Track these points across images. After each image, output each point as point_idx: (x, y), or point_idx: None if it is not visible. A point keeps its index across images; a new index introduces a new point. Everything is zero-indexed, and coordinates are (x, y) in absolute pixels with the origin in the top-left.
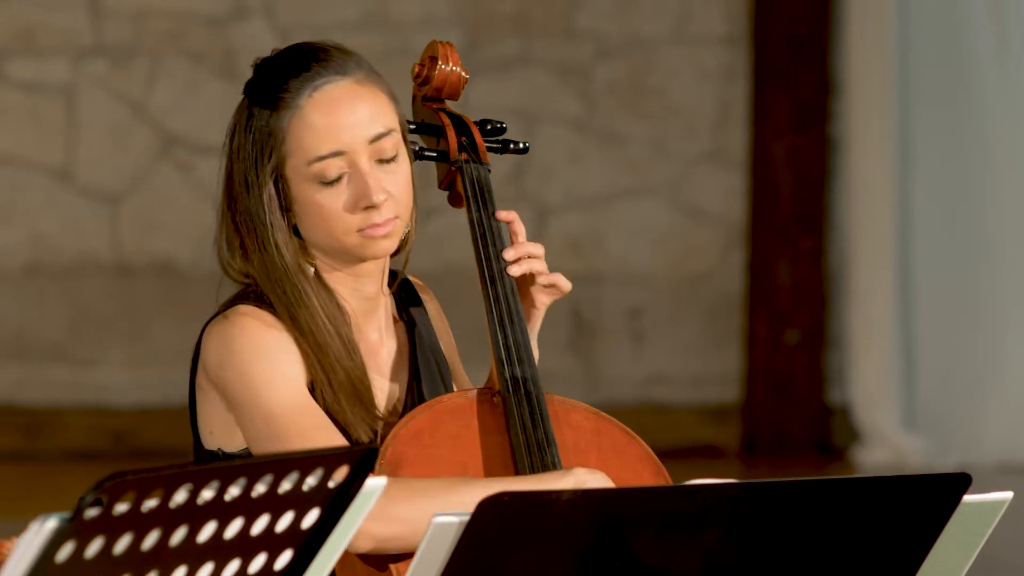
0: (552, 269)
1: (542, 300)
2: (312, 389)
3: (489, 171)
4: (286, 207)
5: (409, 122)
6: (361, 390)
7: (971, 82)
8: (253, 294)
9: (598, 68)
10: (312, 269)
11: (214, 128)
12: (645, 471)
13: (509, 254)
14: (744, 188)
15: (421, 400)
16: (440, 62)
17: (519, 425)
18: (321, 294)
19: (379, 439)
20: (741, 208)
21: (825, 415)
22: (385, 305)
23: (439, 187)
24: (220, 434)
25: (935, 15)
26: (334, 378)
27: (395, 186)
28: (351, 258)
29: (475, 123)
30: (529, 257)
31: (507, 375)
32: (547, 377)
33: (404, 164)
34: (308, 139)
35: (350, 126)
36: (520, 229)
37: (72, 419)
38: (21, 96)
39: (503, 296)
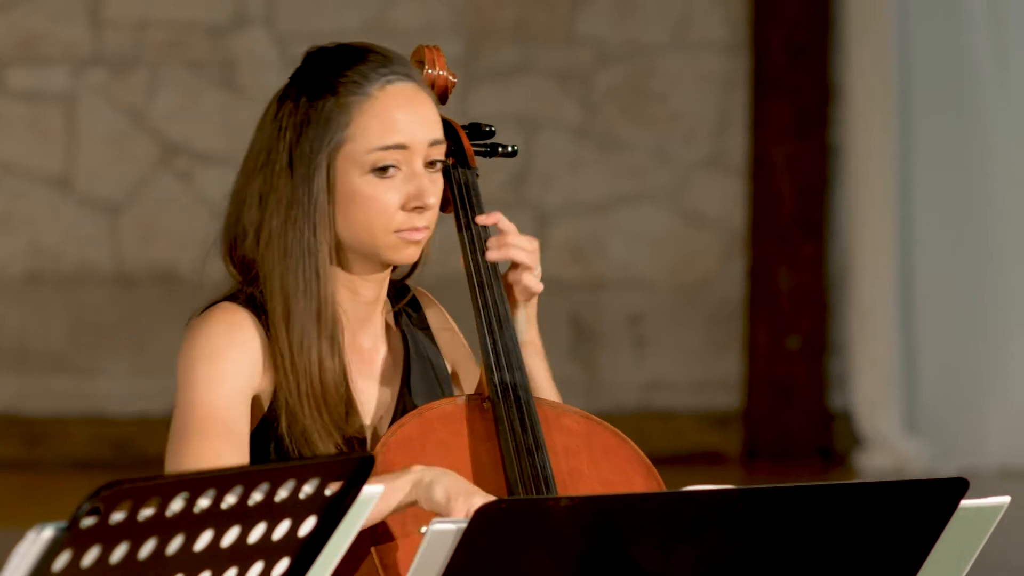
0: (553, 276)
1: (519, 299)
2: (276, 393)
3: (477, 175)
4: (331, 195)
5: None
6: (332, 397)
7: (971, 87)
8: (241, 294)
9: (598, 75)
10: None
11: (214, 137)
12: (636, 473)
13: (492, 242)
14: (744, 194)
15: (412, 409)
16: (427, 66)
17: (508, 431)
18: (330, 293)
19: (366, 447)
20: (741, 214)
21: (827, 420)
22: (382, 313)
23: None
24: None
25: (934, 21)
26: (303, 381)
27: (437, 196)
28: (372, 259)
29: (463, 127)
30: (513, 247)
31: (496, 381)
32: None
33: (441, 180)
34: (375, 127)
35: (417, 123)
36: (507, 227)
37: (73, 428)
38: (21, 105)
39: (492, 302)
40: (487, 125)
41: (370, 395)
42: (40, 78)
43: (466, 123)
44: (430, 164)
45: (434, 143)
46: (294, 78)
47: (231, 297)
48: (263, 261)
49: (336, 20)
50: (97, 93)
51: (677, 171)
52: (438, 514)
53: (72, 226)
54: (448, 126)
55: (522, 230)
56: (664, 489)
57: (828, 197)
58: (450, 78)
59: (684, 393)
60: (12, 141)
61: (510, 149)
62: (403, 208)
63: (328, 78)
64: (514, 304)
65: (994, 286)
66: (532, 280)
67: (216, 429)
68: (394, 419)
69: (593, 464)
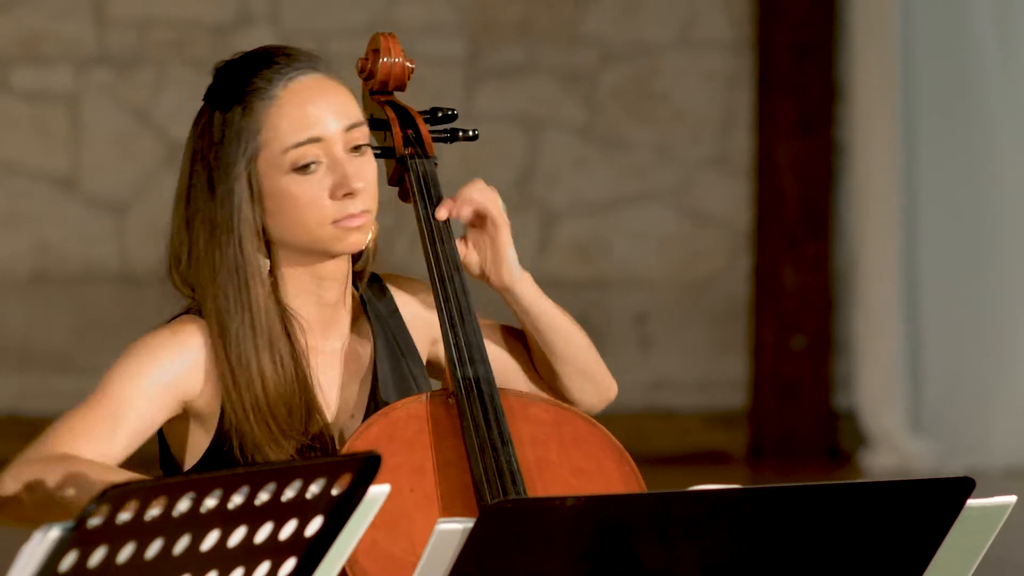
0: (558, 275)
1: (496, 241)
2: (222, 415)
3: (436, 164)
4: (256, 204)
5: None
6: (278, 408)
7: (975, 86)
8: (199, 309)
9: (603, 74)
10: (267, 267)
11: None
12: (608, 460)
13: (441, 213)
14: (749, 193)
15: (383, 407)
16: (382, 54)
17: (472, 426)
18: (269, 301)
19: (333, 450)
20: (746, 213)
21: (832, 420)
22: (348, 312)
23: (388, 183)
24: (177, 447)
25: (939, 20)
26: (247, 395)
27: (367, 179)
28: (318, 256)
29: (422, 113)
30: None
31: (459, 376)
32: None
33: (373, 161)
34: (284, 127)
35: (327, 114)
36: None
37: None
38: (26, 105)
39: (453, 295)
40: (449, 109)
41: (337, 397)
42: (44, 77)
43: (426, 108)
44: (355, 149)
45: (351, 127)
46: (206, 96)
47: (192, 311)
48: (196, 283)
49: (340, 19)
50: (101, 92)
51: (682, 170)
52: None
53: (77, 225)
54: (406, 114)
55: (526, 230)
56: (636, 473)
57: (833, 196)
58: (407, 64)
59: (689, 392)
60: (17, 141)
61: (471, 133)
62: (332, 198)
63: (235, 89)
64: (499, 256)
65: (999, 285)
66: (490, 207)
67: (104, 412)
68: (365, 418)
69: (563, 452)
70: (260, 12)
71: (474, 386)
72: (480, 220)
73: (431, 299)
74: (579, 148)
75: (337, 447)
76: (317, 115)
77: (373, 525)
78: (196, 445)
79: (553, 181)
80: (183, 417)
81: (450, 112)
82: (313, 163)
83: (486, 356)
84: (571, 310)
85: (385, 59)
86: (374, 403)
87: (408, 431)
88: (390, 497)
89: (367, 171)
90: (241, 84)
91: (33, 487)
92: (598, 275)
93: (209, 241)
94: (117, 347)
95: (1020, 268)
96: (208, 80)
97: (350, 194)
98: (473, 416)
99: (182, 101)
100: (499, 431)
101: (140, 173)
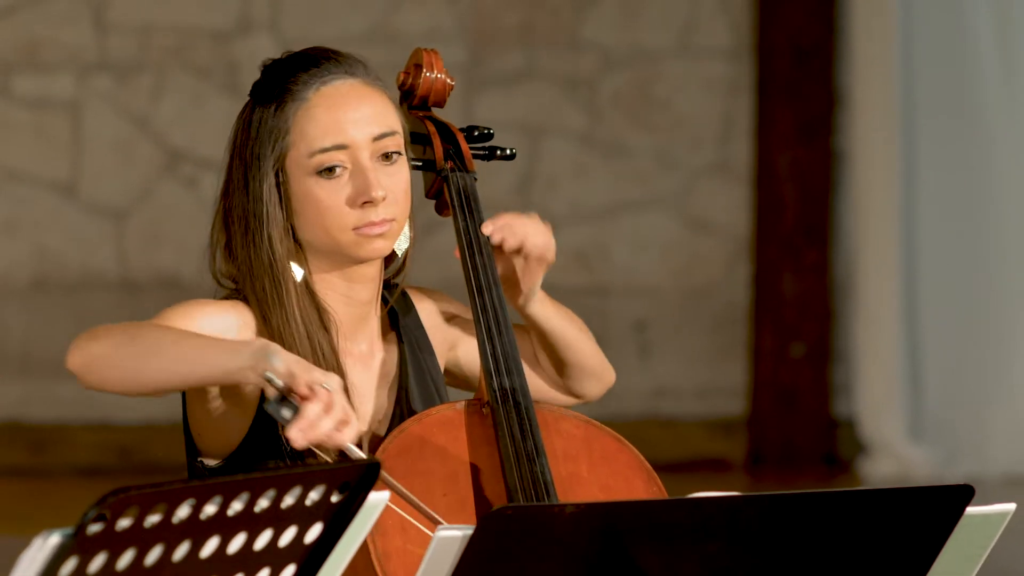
0: (558, 282)
1: (525, 276)
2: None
3: (475, 179)
4: (285, 203)
5: None
6: None
7: (975, 93)
8: (238, 295)
9: (603, 80)
10: (301, 273)
11: (219, 143)
12: (636, 478)
13: (487, 228)
14: (749, 200)
15: (409, 414)
16: (425, 69)
17: (508, 436)
18: (303, 298)
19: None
20: (746, 220)
21: (831, 427)
22: (378, 316)
23: (426, 196)
24: (204, 444)
25: (939, 27)
26: None
27: (394, 188)
28: (345, 259)
29: (461, 130)
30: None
31: (495, 386)
32: None
33: (405, 169)
34: (312, 130)
35: (355, 121)
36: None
37: (78, 435)
38: (26, 111)
39: (491, 306)
40: (485, 128)
41: (368, 399)
42: (45, 84)
43: (464, 126)
44: (385, 157)
45: (380, 137)
46: (251, 92)
47: (230, 297)
48: (237, 275)
49: (340, 25)
50: (102, 99)
51: (682, 177)
52: (271, 383)
53: (77, 232)
54: (446, 129)
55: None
56: (664, 493)
57: (832, 203)
58: (448, 81)
59: (689, 400)
60: (18, 147)
61: (508, 152)
62: (352, 205)
63: (273, 87)
64: (527, 287)
65: (999, 293)
66: (548, 253)
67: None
68: (392, 424)
69: (593, 469)
70: (260, 19)
71: (510, 396)
72: (522, 251)
73: (450, 307)
74: (579, 155)
75: (367, 450)
76: (345, 121)
77: (403, 528)
78: (233, 429)
79: (553, 187)
80: (217, 401)
81: (486, 131)
82: (338, 167)
83: (522, 368)
84: None
85: (428, 74)
86: (401, 411)
87: (442, 437)
88: (423, 502)
89: (394, 180)
90: (279, 83)
91: (119, 342)
92: (598, 282)
93: (244, 236)
94: None
95: (1020, 275)
96: (209, 86)
97: (370, 202)
98: (509, 426)
99: (182, 108)
100: (534, 442)
101: (140, 180)
